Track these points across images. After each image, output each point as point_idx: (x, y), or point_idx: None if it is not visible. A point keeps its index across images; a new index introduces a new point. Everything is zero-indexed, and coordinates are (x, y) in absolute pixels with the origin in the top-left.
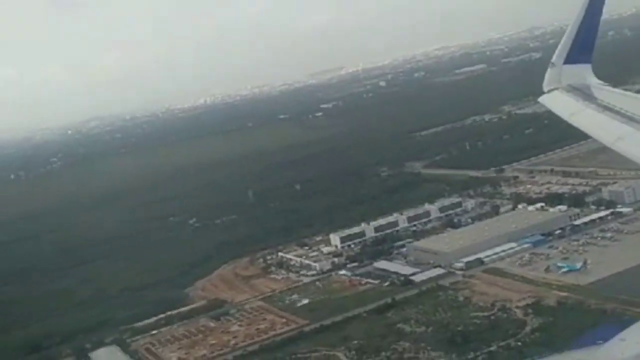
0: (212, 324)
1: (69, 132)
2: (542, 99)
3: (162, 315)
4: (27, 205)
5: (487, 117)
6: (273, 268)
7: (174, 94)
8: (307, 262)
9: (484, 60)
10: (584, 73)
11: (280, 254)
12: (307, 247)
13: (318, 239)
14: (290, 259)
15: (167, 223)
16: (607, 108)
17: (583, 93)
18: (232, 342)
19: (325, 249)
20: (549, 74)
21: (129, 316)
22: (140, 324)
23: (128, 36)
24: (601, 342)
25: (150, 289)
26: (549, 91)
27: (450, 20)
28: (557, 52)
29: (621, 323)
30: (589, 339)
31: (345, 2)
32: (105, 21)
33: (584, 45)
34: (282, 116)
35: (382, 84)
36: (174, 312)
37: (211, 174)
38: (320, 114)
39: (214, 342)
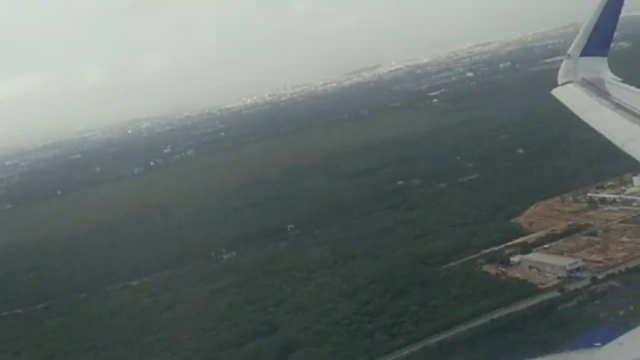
0: (594, 239)
1: (129, 131)
2: (556, 92)
3: (517, 241)
4: (244, 176)
5: None
6: (597, 205)
7: (214, 95)
8: (627, 197)
9: (559, 52)
10: (600, 66)
11: (588, 194)
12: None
13: (609, 183)
14: (605, 197)
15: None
16: (619, 106)
17: (597, 88)
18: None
19: (630, 190)
20: (564, 65)
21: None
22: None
23: (162, 38)
24: (599, 344)
25: (474, 226)
26: (563, 84)
27: (482, 18)
28: (574, 43)
29: (621, 326)
30: (586, 341)
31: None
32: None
33: (601, 37)
34: (394, 104)
35: (470, 74)
36: (520, 239)
37: (405, 148)
38: (435, 100)
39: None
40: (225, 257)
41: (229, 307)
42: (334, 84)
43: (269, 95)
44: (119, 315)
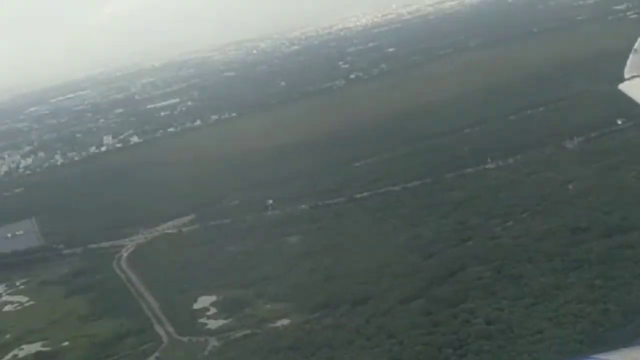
0: None
1: (254, 52)
2: (622, 86)
3: None
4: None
5: None
6: None
7: (312, 16)
8: None
9: None
10: None
11: None
12: None
13: None
14: None
15: None
16: None
17: None
18: None
19: None
20: (630, 60)
21: None
22: None
23: None
24: None
25: None
26: (630, 78)
27: None
28: None
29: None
30: None
31: None
32: None
33: None
34: (579, 18)
35: None
36: None
37: None
38: (630, 13)
39: None
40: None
41: None
42: (446, 4)
43: (381, 15)
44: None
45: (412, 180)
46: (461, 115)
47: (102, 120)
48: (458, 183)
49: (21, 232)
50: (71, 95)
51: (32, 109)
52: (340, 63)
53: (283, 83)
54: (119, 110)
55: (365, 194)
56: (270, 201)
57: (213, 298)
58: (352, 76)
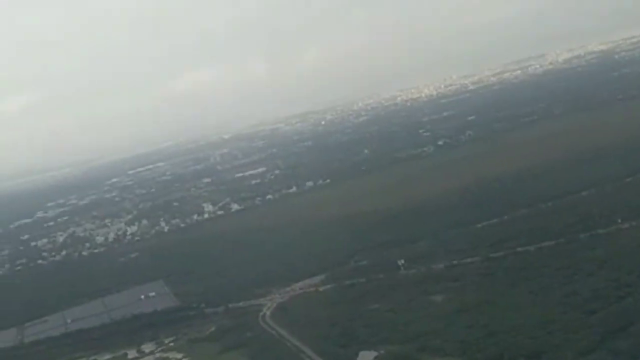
0: None
1: (322, 122)
2: None
3: None
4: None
5: None
6: None
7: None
8: None
9: None
10: None
11: None
12: None
13: None
14: None
15: None
16: None
17: None
18: None
19: None
20: None
21: None
22: None
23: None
24: None
25: None
26: None
27: None
28: None
29: None
30: None
31: None
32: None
33: None
34: None
35: None
36: None
37: None
38: None
39: None
40: None
41: None
42: (508, 74)
43: (444, 86)
44: None
45: (544, 240)
46: (570, 178)
47: (192, 189)
48: (594, 242)
49: (153, 294)
50: (150, 167)
51: (114, 180)
52: (421, 131)
53: (366, 151)
54: (207, 180)
55: (500, 253)
56: (402, 261)
57: (374, 353)
58: (440, 142)
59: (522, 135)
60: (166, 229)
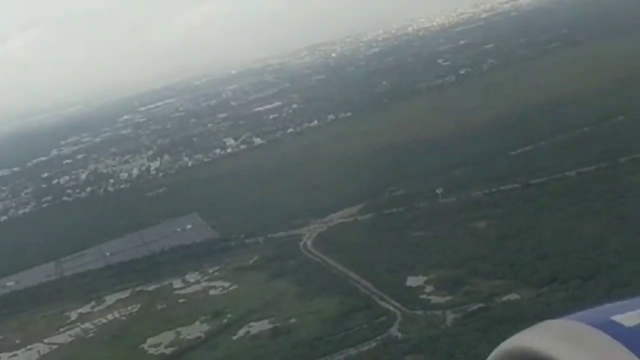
0: None
1: (333, 54)
2: None
3: None
4: None
5: None
6: None
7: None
8: None
9: None
10: None
11: None
12: None
13: None
14: None
15: None
16: None
17: None
18: None
19: None
20: None
21: None
22: None
23: None
24: None
25: None
26: None
27: None
28: None
29: None
30: None
31: None
32: None
33: None
34: None
35: None
36: None
37: None
38: None
39: None
40: None
41: None
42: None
43: (456, 15)
44: None
45: (584, 166)
46: (604, 103)
47: (210, 124)
48: (635, 166)
49: (190, 226)
50: (159, 104)
51: (126, 117)
52: (440, 61)
53: (384, 82)
54: (223, 115)
55: (540, 179)
56: (440, 189)
57: (423, 278)
58: (462, 72)
59: (546, 62)
60: (190, 163)
